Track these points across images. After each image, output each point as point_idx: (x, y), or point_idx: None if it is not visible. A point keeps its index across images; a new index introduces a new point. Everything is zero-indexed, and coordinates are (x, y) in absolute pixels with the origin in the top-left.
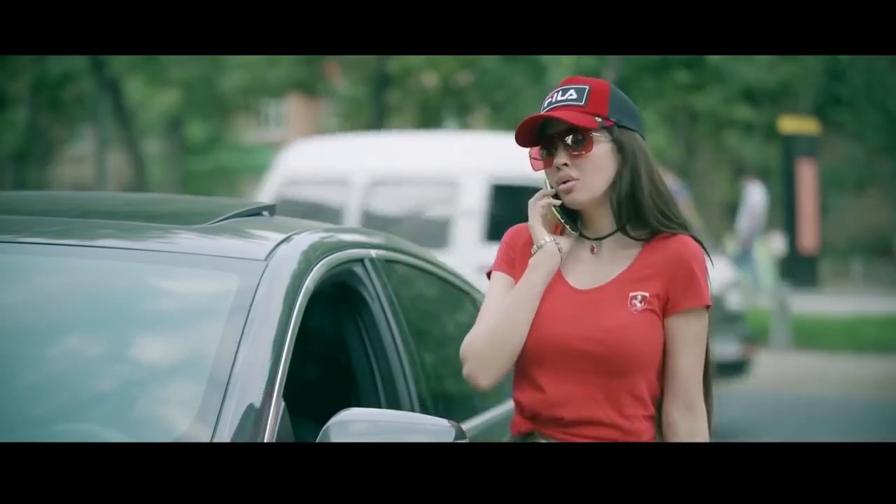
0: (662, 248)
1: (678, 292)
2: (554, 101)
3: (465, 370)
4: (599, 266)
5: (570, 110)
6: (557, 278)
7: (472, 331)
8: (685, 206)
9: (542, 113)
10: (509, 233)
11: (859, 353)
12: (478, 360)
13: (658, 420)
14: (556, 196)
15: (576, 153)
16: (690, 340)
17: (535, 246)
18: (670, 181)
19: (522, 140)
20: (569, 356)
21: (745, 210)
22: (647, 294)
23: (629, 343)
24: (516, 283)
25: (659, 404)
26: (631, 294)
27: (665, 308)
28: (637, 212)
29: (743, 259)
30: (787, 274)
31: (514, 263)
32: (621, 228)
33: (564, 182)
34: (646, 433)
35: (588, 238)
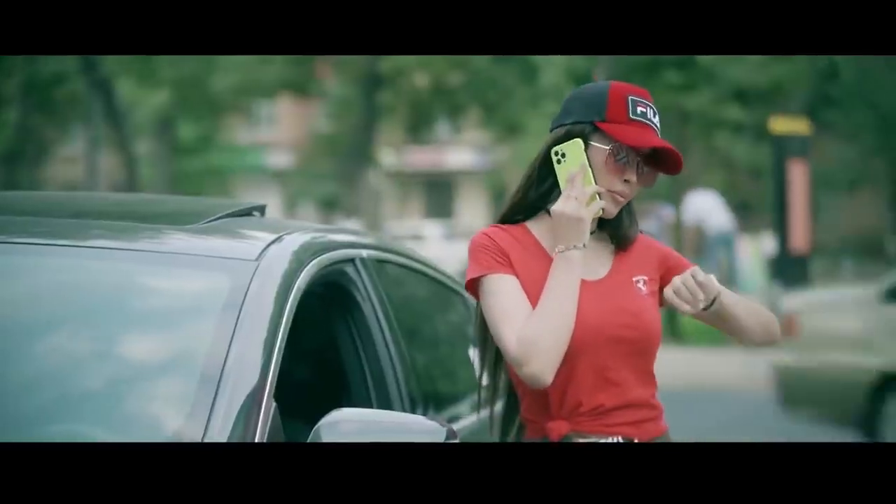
0: (635, 246)
1: (672, 264)
2: (650, 118)
3: (530, 370)
4: (589, 260)
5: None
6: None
7: (521, 332)
8: (669, 218)
9: (670, 146)
10: (488, 236)
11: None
12: (547, 358)
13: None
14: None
15: (643, 179)
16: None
17: (580, 243)
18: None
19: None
20: (605, 344)
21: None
22: (646, 277)
23: (653, 322)
24: (520, 281)
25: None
26: (634, 279)
27: (664, 280)
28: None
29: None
30: (778, 274)
31: (509, 264)
32: (617, 230)
33: (621, 195)
34: (661, 407)
35: None
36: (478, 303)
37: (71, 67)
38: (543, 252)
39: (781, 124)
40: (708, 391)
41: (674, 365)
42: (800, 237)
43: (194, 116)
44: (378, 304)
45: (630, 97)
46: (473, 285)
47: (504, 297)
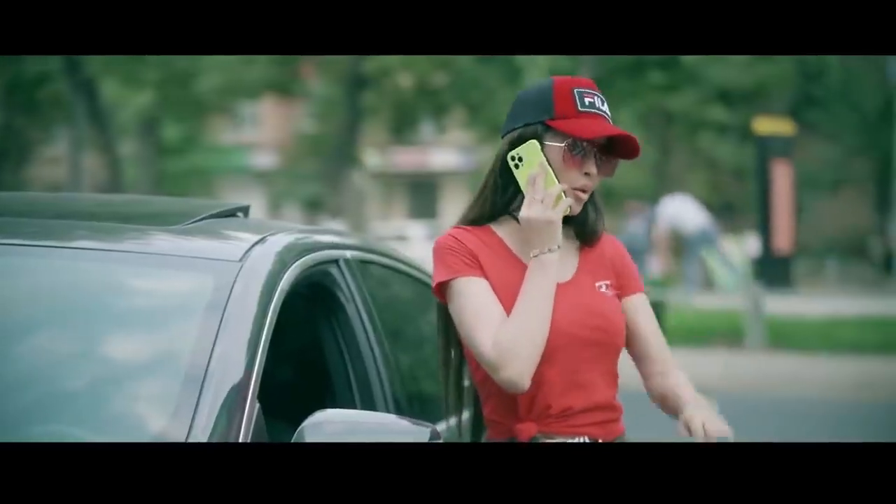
0: (599, 245)
1: (627, 280)
2: (599, 107)
3: (507, 375)
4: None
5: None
6: (521, 268)
7: (498, 337)
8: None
9: (624, 132)
10: (455, 238)
11: (835, 354)
12: (524, 363)
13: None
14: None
15: (602, 170)
16: (650, 314)
17: (554, 245)
18: (642, 212)
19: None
20: (575, 346)
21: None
22: (608, 282)
23: (618, 324)
24: (489, 283)
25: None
26: (597, 283)
27: (619, 295)
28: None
29: (695, 259)
30: (761, 274)
31: (478, 265)
32: (584, 225)
33: (583, 190)
34: (622, 408)
35: None
36: (439, 306)
37: (54, 68)
38: (510, 254)
39: (765, 125)
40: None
41: None
42: (783, 238)
43: (178, 117)
44: (362, 305)
45: (575, 90)
46: (441, 288)
47: (476, 299)
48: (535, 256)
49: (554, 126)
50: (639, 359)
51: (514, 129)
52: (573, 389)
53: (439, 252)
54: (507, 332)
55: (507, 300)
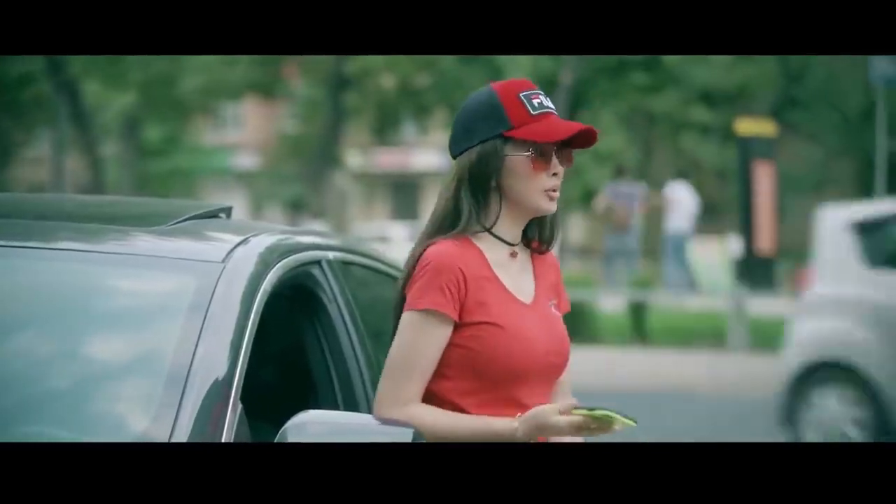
0: (545, 259)
1: (559, 299)
2: (547, 105)
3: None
4: (521, 275)
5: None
6: (501, 288)
7: (414, 417)
8: (642, 207)
9: (585, 126)
10: (443, 259)
11: None
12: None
13: None
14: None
15: (567, 163)
16: None
17: (529, 440)
18: (626, 184)
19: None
20: (544, 370)
21: (676, 208)
22: (555, 301)
23: (569, 347)
24: (468, 300)
25: None
26: (549, 303)
27: None
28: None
29: (676, 259)
30: (743, 276)
31: (461, 301)
32: (543, 231)
33: (555, 189)
34: None
35: (509, 243)
36: (397, 309)
37: (37, 68)
38: (491, 271)
39: (747, 126)
40: (674, 393)
41: (640, 367)
42: (766, 239)
43: (160, 118)
44: (344, 306)
45: (521, 94)
46: (410, 304)
47: (421, 347)
48: (513, 429)
49: (514, 136)
50: None
51: (471, 146)
52: (531, 405)
53: (434, 270)
54: (427, 424)
55: (485, 315)
